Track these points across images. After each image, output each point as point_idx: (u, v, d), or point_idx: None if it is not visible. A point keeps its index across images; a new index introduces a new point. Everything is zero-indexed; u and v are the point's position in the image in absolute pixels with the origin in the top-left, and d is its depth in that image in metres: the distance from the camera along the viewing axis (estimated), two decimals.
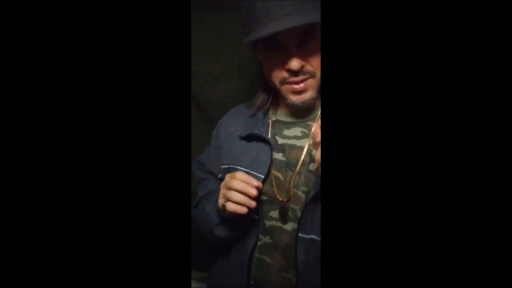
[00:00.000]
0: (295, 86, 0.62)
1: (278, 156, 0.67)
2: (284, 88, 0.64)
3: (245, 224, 0.67)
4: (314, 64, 0.62)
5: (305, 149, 0.64)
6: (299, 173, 0.64)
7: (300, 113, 0.68)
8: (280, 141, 0.68)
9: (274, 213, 0.65)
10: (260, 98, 0.71)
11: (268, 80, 0.67)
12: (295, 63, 0.59)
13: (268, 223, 0.65)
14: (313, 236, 0.61)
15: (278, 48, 0.61)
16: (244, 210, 0.59)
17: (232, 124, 0.74)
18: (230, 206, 0.60)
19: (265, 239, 0.65)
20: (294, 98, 0.64)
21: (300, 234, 0.61)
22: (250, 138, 0.69)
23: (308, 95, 0.64)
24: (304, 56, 0.61)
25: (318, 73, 0.62)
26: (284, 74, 0.62)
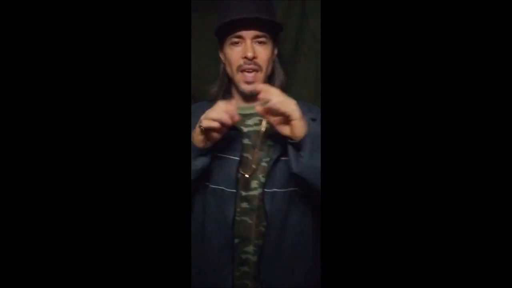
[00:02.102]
0: (247, 75, 0.83)
1: (245, 141, 0.86)
2: (239, 76, 0.84)
3: (224, 194, 0.83)
4: (262, 61, 0.83)
5: (264, 131, 0.84)
6: (262, 150, 0.84)
7: (252, 103, 0.86)
8: (245, 129, 0.86)
9: (248, 185, 0.85)
10: (215, 88, 0.90)
11: (228, 72, 0.87)
12: (250, 53, 0.81)
13: (244, 193, 0.84)
14: (274, 189, 0.82)
15: (239, 43, 0.83)
16: (216, 124, 0.72)
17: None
18: (205, 122, 0.73)
19: (244, 205, 0.84)
20: (244, 87, 0.84)
21: (265, 190, 0.82)
22: None
23: (255, 86, 0.82)
24: (257, 52, 0.82)
25: (264, 70, 0.84)
26: (241, 62, 0.83)
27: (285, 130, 0.74)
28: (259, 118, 0.85)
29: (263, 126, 0.83)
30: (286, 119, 0.72)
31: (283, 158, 0.80)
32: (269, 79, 0.87)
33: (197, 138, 0.77)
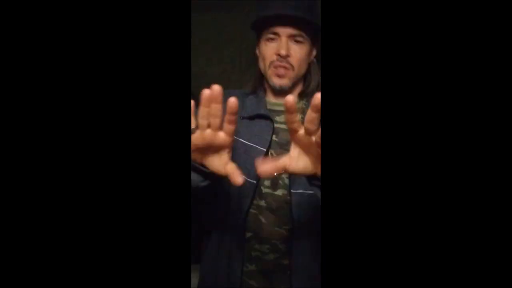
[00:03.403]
0: (279, 69, 0.82)
1: (273, 137, 0.84)
2: (270, 71, 0.83)
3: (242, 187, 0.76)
4: (295, 60, 0.82)
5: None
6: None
7: (281, 98, 0.85)
8: (275, 125, 0.85)
9: (268, 182, 0.83)
10: (255, 79, 0.90)
11: (261, 67, 0.86)
12: (283, 50, 0.80)
13: (264, 189, 0.82)
14: (301, 191, 0.79)
15: (275, 39, 0.82)
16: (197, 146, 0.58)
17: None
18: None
19: (261, 202, 0.82)
20: (275, 80, 0.83)
21: (292, 190, 0.79)
22: (254, 117, 0.85)
23: (285, 81, 0.83)
24: (291, 50, 0.81)
25: (296, 70, 0.83)
26: (274, 57, 0.82)
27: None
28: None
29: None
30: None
31: None
32: (304, 80, 0.86)
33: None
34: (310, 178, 0.61)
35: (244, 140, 0.82)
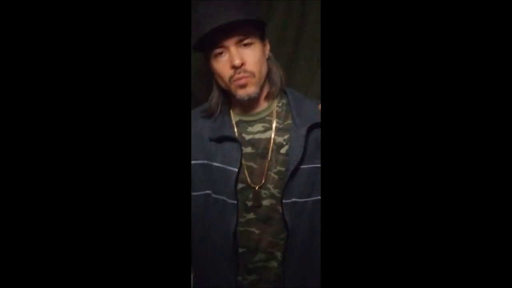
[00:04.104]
0: (240, 81, 0.76)
1: (248, 150, 0.82)
2: (233, 86, 0.78)
3: (224, 209, 0.80)
4: (252, 65, 0.76)
5: (272, 139, 0.81)
6: (270, 159, 0.80)
7: (254, 110, 0.83)
8: (247, 137, 0.82)
9: (256, 196, 0.81)
10: (214, 99, 0.85)
11: (220, 84, 0.81)
12: (237, 60, 0.74)
13: (249, 203, 0.81)
14: (293, 199, 0.78)
15: (223, 53, 0.76)
16: None
17: (198, 126, 0.86)
18: None
19: (250, 215, 0.81)
20: (240, 92, 0.77)
21: (284, 200, 0.78)
22: (221, 139, 0.83)
23: (251, 90, 0.77)
24: (244, 57, 0.76)
25: (258, 74, 0.77)
26: (230, 72, 0.76)
27: None
28: (262, 124, 0.82)
29: (274, 130, 0.80)
30: None
31: (303, 167, 0.77)
32: (268, 78, 0.81)
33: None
34: None
35: (217, 163, 0.81)
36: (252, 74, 0.76)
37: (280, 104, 0.83)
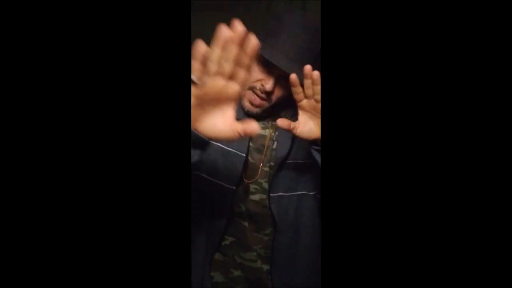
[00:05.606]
0: (256, 99, 0.77)
1: (250, 143, 0.84)
2: (248, 94, 0.78)
3: (222, 190, 0.80)
4: (275, 98, 0.78)
5: (268, 136, 0.84)
6: (265, 154, 0.83)
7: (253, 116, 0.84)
8: None
9: (248, 190, 0.84)
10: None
11: None
12: (269, 86, 0.74)
13: (242, 194, 0.83)
14: (280, 193, 0.81)
15: (264, 68, 0.75)
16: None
17: None
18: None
19: (242, 208, 0.83)
20: (248, 106, 0.79)
21: (271, 194, 0.80)
22: None
23: (258, 110, 0.80)
24: (275, 89, 0.76)
25: (272, 104, 0.79)
26: (257, 84, 0.76)
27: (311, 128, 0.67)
28: (262, 122, 0.84)
29: (270, 128, 0.83)
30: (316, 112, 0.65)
31: (289, 161, 0.80)
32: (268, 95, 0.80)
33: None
34: (312, 142, 0.70)
35: (222, 145, 0.80)
36: (269, 101, 0.78)
37: (273, 127, 0.85)
